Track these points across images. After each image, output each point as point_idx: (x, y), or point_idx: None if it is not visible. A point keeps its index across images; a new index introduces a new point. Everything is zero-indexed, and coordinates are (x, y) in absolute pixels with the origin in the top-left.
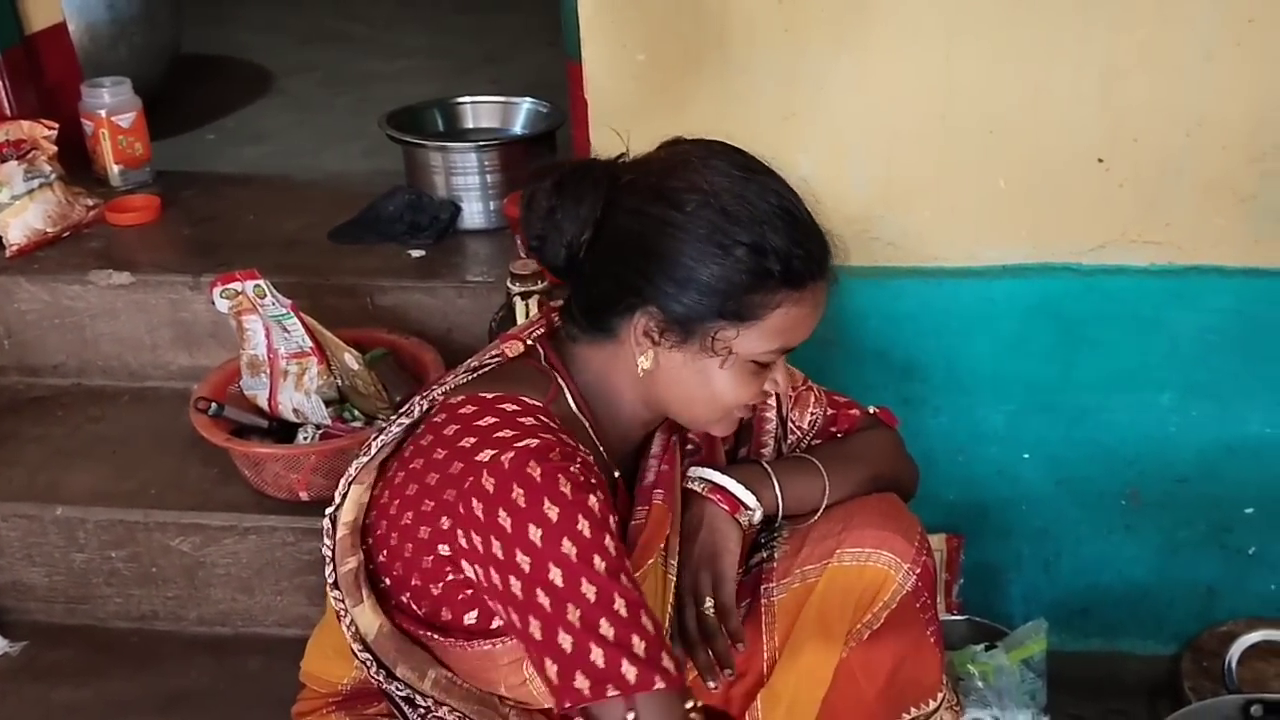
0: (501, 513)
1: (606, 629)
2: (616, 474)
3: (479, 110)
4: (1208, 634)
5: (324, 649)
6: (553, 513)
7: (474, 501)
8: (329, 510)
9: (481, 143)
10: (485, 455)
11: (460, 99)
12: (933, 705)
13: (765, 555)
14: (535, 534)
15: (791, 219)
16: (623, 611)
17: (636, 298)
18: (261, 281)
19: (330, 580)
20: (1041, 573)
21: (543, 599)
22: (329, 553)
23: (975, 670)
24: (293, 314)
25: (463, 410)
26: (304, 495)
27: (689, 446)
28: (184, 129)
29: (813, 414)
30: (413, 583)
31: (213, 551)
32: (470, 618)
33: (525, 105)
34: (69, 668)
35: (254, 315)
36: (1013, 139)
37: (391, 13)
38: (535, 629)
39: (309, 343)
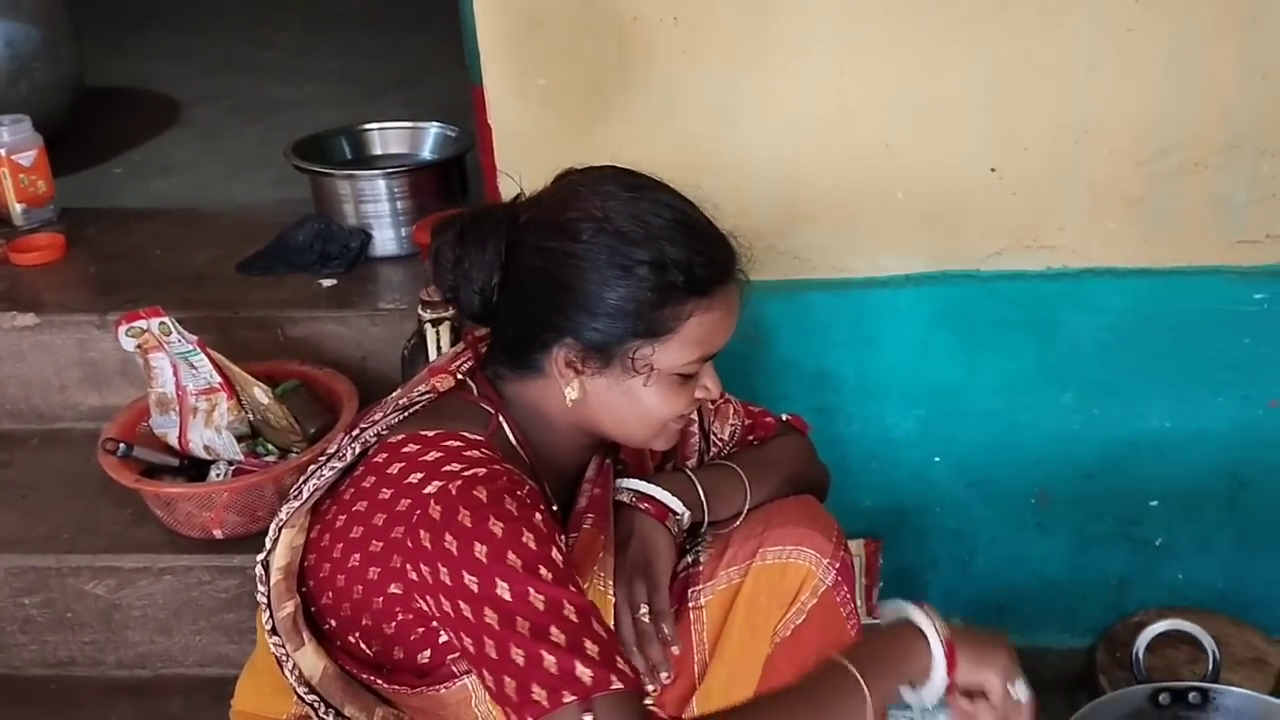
0: (448, 537)
1: (557, 635)
2: (554, 507)
3: (387, 136)
4: (1120, 625)
5: (259, 687)
6: (497, 529)
7: (421, 533)
8: (260, 557)
9: (389, 169)
10: (432, 487)
11: (367, 125)
12: None
13: (690, 561)
14: (480, 551)
15: (688, 228)
16: (573, 617)
17: (552, 332)
18: (166, 319)
19: (268, 627)
20: (958, 573)
21: (491, 617)
22: (264, 599)
23: None
24: (199, 350)
25: (406, 449)
26: (218, 533)
27: (619, 466)
28: (89, 164)
29: (732, 425)
30: (363, 623)
31: (128, 594)
32: (424, 656)
33: (433, 130)
34: None
35: (160, 353)
36: (908, 152)
37: (301, 38)
38: (490, 648)
39: (217, 378)
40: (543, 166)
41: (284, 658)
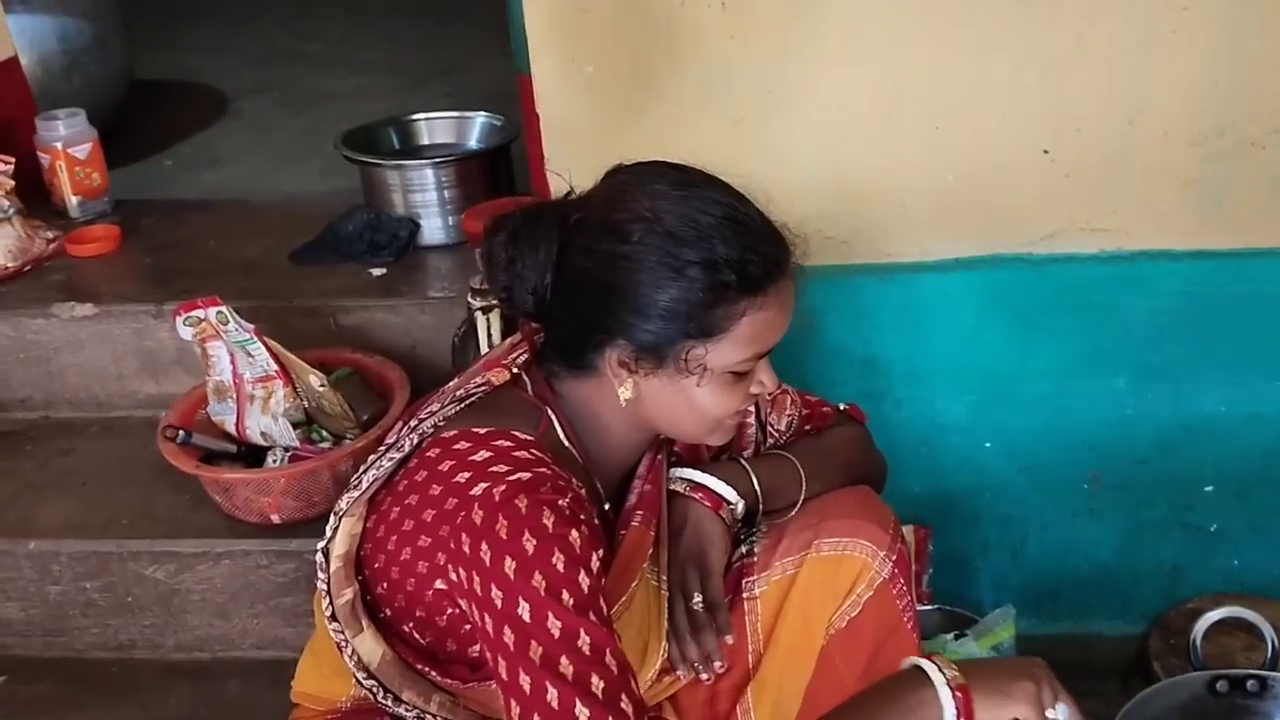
0: (484, 546)
1: (566, 667)
2: (606, 505)
3: (434, 126)
4: (1174, 612)
5: (319, 670)
6: (529, 545)
7: (463, 536)
8: (320, 545)
9: (437, 159)
10: (478, 489)
11: (415, 115)
12: None
13: (745, 551)
14: (510, 566)
15: (739, 226)
16: (585, 650)
17: (604, 334)
18: (224, 307)
19: (328, 613)
20: (1009, 559)
21: (509, 636)
22: (324, 586)
23: None
24: (256, 339)
25: (456, 445)
26: (275, 518)
27: (673, 458)
28: (141, 156)
29: (789, 415)
30: (416, 614)
31: (187, 578)
32: (475, 650)
33: (480, 119)
34: (48, 701)
35: (218, 341)
36: (958, 135)
37: (345, 29)
38: (502, 667)
39: (273, 366)
40: (591, 153)
41: (343, 643)
